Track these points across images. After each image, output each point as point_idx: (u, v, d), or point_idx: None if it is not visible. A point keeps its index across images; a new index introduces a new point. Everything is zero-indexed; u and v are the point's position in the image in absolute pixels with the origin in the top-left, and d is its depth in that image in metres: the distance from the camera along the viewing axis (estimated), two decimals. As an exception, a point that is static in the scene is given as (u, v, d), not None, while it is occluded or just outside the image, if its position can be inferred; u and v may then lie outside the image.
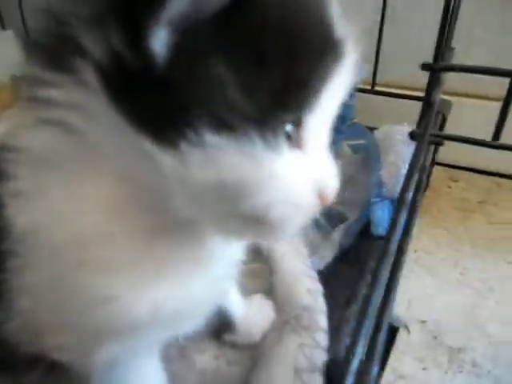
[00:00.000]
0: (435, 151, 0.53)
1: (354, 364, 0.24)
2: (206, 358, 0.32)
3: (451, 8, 0.42)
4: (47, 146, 0.20)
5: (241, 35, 0.18)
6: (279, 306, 0.33)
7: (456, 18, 0.45)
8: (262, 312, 0.33)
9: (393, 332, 0.31)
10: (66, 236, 0.20)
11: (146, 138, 0.18)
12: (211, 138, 0.17)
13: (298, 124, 0.19)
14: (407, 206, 0.33)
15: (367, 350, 0.25)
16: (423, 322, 0.41)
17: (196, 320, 0.25)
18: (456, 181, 0.60)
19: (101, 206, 0.20)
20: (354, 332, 0.25)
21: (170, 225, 0.21)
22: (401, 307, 0.41)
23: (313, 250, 0.41)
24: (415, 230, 0.33)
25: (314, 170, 0.20)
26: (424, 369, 0.37)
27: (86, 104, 0.19)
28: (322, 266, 0.41)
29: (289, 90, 0.18)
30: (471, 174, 0.59)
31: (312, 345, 0.29)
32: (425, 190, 0.57)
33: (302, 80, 0.18)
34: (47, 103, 0.19)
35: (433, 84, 0.40)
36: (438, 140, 0.39)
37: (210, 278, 0.23)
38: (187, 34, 0.17)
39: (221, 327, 0.33)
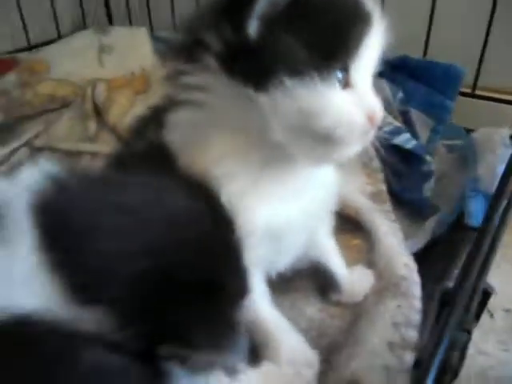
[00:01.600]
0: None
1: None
2: (313, 309, 0.38)
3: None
4: (189, 120, 0.31)
5: (303, 14, 0.28)
6: (379, 275, 0.38)
7: None
8: (363, 277, 0.39)
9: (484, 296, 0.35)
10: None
11: (250, 88, 0.28)
12: (288, 82, 0.27)
13: (346, 70, 0.29)
14: (505, 198, 0.36)
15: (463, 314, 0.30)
16: (507, 310, 0.44)
17: (293, 249, 0.34)
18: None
19: (227, 149, 0.30)
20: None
21: (273, 158, 0.31)
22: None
23: (407, 235, 0.46)
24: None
25: (361, 101, 0.29)
26: (505, 350, 0.41)
27: (210, 84, 0.30)
28: (414, 249, 0.45)
29: (336, 47, 0.28)
30: None
31: (408, 306, 0.34)
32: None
33: (344, 40, 0.28)
34: (186, 88, 0.31)
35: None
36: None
37: (305, 200, 0.33)
38: (269, 18, 0.27)
39: (326, 285, 0.39)
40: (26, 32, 0.86)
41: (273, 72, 0.28)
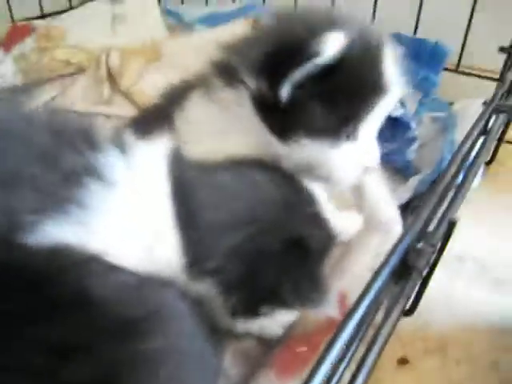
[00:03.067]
0: (506, 127, 0.62)
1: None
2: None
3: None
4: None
5: (330, 89, 0.32)
6: (365, 218, 0.45)
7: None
8: (351, 218, 0.45)
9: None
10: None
11: (268, 131, 0.34)
12: (304, 140, 0.33)
13: (355, 130, 0.34)
14: (462, 153, 0.42)
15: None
16: (474, 257, 0.51)
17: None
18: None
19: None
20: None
21: None
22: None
23: (391, 191, 0.52)
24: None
25: (361, 153, 0.36)
26: (471, 295, 0.47)
27: (241, 104, 0.35)
28: (397, 204, 0.52)
29: (352, 116, 0.33)
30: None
31: (392, 239, 0.40)
32: (490, 163, 0.65)
33: (360, 110, 0.34)
34: (221, 100, 0.36)
35: (507, 64, 0.48)
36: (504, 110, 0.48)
37: None
38: (300, 86, 0.32)
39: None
40: (40, 1, 0.90)
41: (294, 131, 0.33)
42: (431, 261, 0.35)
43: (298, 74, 0.31)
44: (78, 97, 0.72)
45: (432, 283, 0.46)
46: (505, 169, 0.66)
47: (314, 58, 0.30)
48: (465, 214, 0.57)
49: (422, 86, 0.64)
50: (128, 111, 0.66)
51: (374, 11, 0.70)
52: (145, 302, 0.23)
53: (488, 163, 0.65)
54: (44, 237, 0.22)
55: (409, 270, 0.30)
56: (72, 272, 0.22)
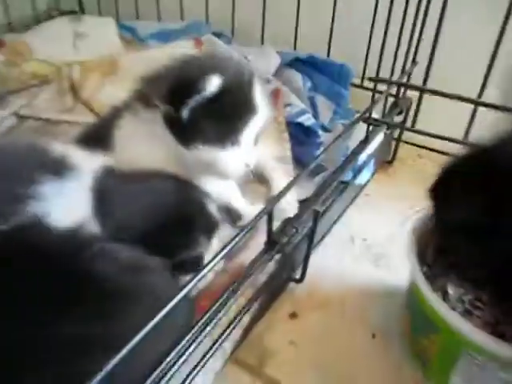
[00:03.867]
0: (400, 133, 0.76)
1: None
2: (226, 232, 0.57)
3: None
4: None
5: (213, 110, 0.47)
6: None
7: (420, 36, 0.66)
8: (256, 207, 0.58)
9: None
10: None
11: (178, 143, 0.47)
12: (201, 146, 0.47)
13: (235, 139, 0.48)
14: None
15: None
16: (364, 239, 0.64)
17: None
18: (421, 157, 0.82)
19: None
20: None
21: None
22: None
23: (300, 185, 0.65)
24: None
25: (243, 154, 0.49)
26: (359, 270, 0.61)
27: (156, 121, 0.47)
28: (303, 196, 0.64)
29: (232, 129, 0.47)
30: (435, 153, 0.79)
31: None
32: (392, 162, 0.79)
33: (237, 125, 0.48)
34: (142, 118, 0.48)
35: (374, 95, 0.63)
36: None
37: None
38: (194, 109, 0.47)
39: (235, 219, 0.58)
40: (8, 15, 1.00)
41: (193, 140, 0.47)
42: (295, 239, 0.48)
43: (192, 102, 0.45)
44: (42, 106, 0.83)
45: (326, 260, 0.60)
46: (404, 166, 0.80)
47: (201, 92, 0.44)
48: (362, 204, 0.71)
49: (335, 98, 0.77)
50: (88, 118, 0.78)
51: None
52: (135, 268, 0.37)
53: (390, 162, 0.79)
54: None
55: (275, 244, 0.44)
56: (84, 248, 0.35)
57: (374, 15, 0.71)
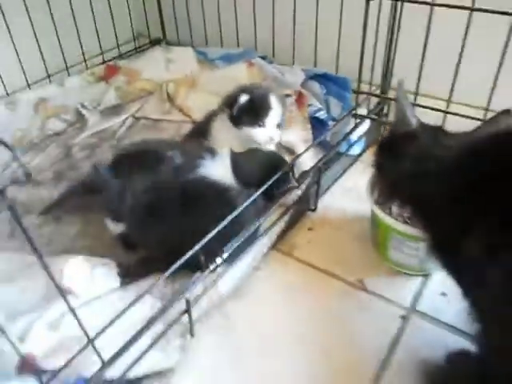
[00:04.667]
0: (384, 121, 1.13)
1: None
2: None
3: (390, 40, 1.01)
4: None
5: (248, 109, 0.96)
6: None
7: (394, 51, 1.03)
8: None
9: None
10: None
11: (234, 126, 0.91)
12: (245, 127, 0.91)
13: (262, 123, 0.90)
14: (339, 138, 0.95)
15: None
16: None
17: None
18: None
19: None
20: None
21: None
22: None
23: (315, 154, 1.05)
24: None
25: (267, 132, 0.91)
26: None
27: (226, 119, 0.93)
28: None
29: (258, 118, 0.90)
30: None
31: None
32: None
33: (261, 115, 0.90)
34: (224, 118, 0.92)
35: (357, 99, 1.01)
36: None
37: None
38: (238, 110, 0.91)
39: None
40: (118, 46, 1.45)
41: (241, 124, 0.90)
42: (308, 182, 0.88)
43: (236, 107, 0.87)
44: (150, 110, 1.27)
45: (332, 200, 0.99)
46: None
47: (239, 101, 0.86)
48: (356, 168, 1.09)
49: (342, 100, 1.16)
50: (181, 118, 1.21)
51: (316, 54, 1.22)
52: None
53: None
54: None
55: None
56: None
57: (363, 45, 1.08)
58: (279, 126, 0.93)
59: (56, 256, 0.78)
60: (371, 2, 0.95)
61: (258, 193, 0.76)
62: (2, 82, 1.22)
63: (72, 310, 0.49)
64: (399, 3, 0.94)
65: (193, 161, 0.78)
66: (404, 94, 0.69)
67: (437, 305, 0.77)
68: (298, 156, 0.87)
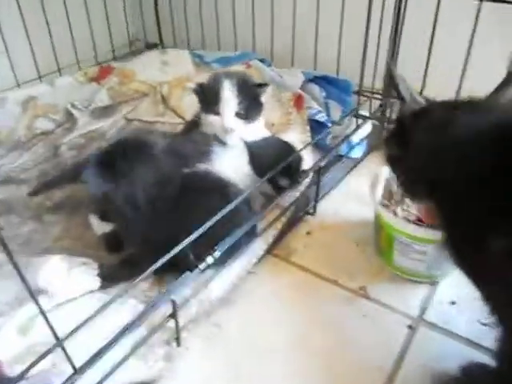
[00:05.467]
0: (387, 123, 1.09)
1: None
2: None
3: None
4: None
5: (203, 94, 0.82)
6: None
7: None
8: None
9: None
10: None
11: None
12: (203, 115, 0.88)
13: (218, 113, 0.83)
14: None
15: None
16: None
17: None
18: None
19: None
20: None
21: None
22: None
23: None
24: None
25: (221, 120, 0.83)
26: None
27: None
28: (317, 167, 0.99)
29: (213, 105, 0.84)
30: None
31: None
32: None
33: (208, 102, 0.84)
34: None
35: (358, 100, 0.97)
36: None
37: None
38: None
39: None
40: (113, 49, 1.41)
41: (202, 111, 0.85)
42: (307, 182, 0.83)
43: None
44: (143, 112, 1.22)
45: (331, 204, 0.94)
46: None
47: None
48: (358, 171, 1.04)
49: (342, 103, 1.11)
50: (175, 120, 1.16)
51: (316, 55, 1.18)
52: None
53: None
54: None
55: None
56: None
57: (365, 43, 1.05)
58: (241, 115, 0.84)
59: (33, 256, 0.72)
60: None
61: (264, 179, 0.73)
62: (-9, 80, 1.17)
63: (42, 311, 0.43)
64: None
65: (201, 150, 0.74)
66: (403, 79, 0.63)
67: (446, 314, 0.71)
68: (302, 149, 0.83)
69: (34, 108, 1.14)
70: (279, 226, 0.82)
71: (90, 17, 1.31)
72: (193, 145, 0.78)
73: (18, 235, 0.82)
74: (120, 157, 0.77)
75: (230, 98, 0.82)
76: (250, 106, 0.83)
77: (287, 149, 0.83)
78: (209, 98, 0.83)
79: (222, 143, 0.79)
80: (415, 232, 0.70)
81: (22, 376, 0.46)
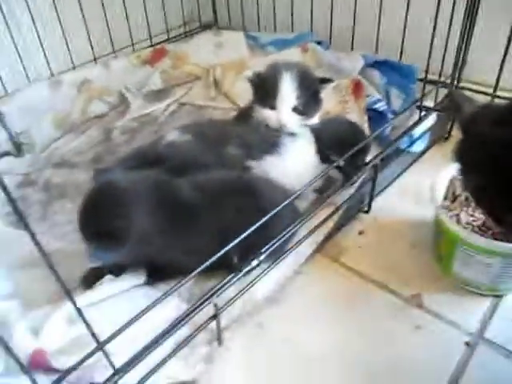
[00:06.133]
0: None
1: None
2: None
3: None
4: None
5: (258, 85, 0.80)
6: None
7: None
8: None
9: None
10: None
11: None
12: (259, 108, 0.82)
13: (274, 107, 0.79)
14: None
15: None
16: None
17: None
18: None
19: None
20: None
21: None
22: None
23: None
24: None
25: (277, 114, 0.79)
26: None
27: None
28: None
29: (270, 100, 0.80)
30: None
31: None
32: (447, 138, 1.03)
33: (265, 95, 0.81)
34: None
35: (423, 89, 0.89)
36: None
37: None
38: None
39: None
40: (168, 30, 1.39)
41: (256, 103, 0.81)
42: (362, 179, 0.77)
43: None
44: (195, 96, 1.20)
45: (388, 202, 0.88)
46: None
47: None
48: (418, 167, 0.97)
49: (405, 91, 1.03)
50: (226, 105, 1.13)
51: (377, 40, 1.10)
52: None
53: (446, 138, 1.04)
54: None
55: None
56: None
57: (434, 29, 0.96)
58: (298, 110, 0.79)
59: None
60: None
61: (332, 167, 0.72)
62: (48, 63, 1.19)
63: (78, 310, 0.42)
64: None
65: (269, 142, 0.75)
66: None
67: (510, 333, 0.64)
68: (370, 138, 0.80)
69: (88, 90, 1.15)
70: (331, 224, 0.78)
71: (144, -3, 1.30)
72: (259, 135, 0.76)
73: (72, 221, 0.83)
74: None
75: (288, 92, 0.77)
76: (309, 102, 0.78)
77: (357, 131, 0.81)
78: (265, 89, 0.78)
79: (289, 133, 0.77)
80: (480, 243, 0.63)
81: (64, 375, 0.46)
